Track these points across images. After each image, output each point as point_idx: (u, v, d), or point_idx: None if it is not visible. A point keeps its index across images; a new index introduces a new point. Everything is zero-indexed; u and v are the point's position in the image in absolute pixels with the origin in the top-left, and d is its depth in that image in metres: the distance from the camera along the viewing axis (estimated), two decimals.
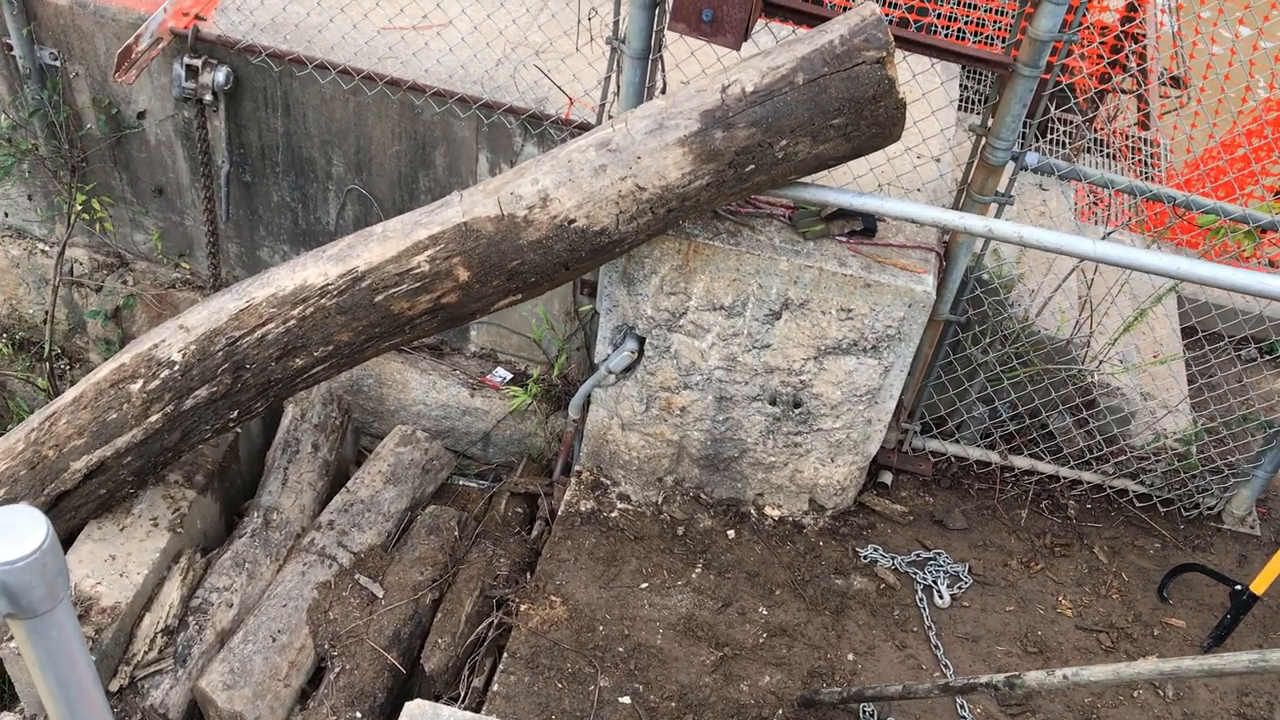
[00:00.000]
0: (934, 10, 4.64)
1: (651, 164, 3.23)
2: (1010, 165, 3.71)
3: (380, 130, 4.32)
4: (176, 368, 3.48)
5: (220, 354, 3.48)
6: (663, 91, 3.86)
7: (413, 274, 3.38)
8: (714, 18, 3.32)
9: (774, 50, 3.23)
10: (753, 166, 3.24)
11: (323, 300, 3.42)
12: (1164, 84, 6.55)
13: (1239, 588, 4.01)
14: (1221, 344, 4.25)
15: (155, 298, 5.01)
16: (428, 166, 4.38)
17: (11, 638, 3.57)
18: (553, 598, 3.98)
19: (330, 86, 4.18)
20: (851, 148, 3.28)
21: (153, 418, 3.54)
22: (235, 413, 3.63)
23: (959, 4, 5.19)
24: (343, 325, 3.45)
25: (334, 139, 4.42)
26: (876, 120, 3.20)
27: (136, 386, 3.51)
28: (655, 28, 3.66)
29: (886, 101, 3.15)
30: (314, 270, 3.44)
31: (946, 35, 5.06)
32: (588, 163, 3.26)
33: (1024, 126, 3.65)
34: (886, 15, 5.28)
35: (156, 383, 3.50)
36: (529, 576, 4.14)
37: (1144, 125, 6.38)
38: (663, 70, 3.83)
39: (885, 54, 3.10)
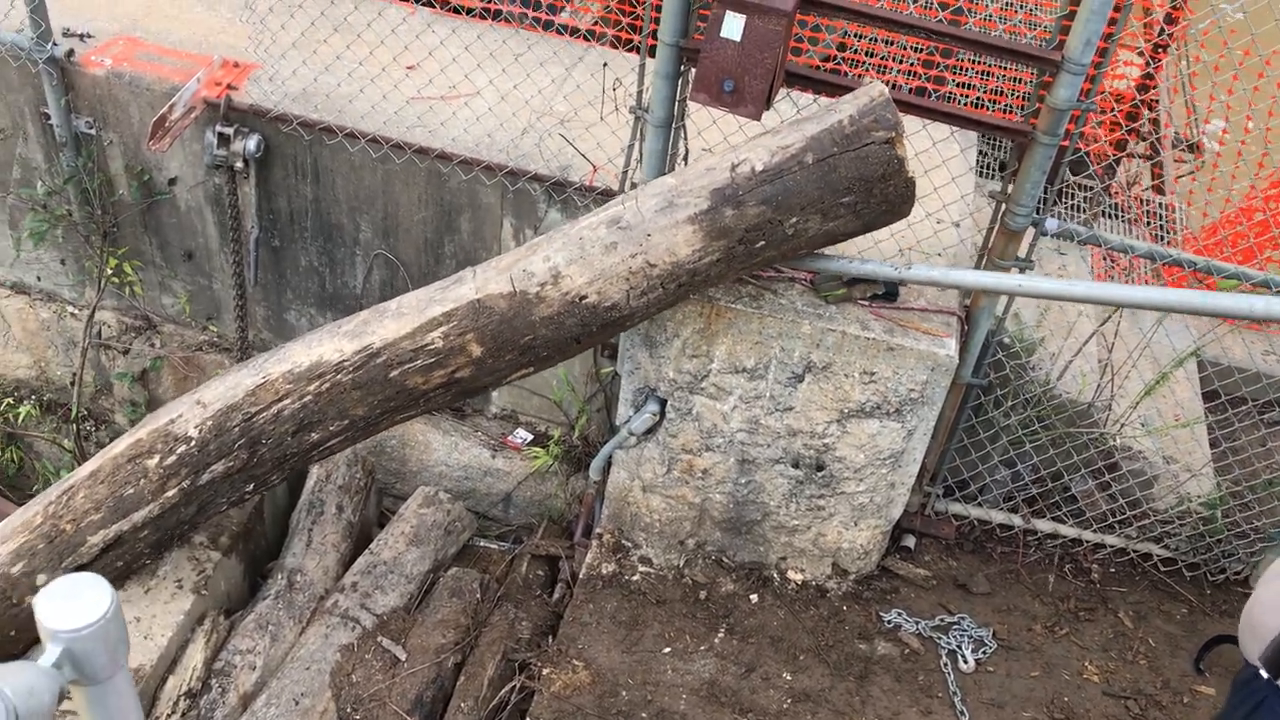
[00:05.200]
0: (952, 80, 4.71)
1: (662, 241, 3.27)
2: (1030, 231, 3.75)
3: (407, 197, 4.39)
4: (193, 443, 3.51)
5: (237, 429, 3.51)
6: (685, 159, 3.92)
7: (427, 350, 3.42)
8: (735, 88, 3.39)
9: (783, 129, 3.28)
10: (763, 243, 3.29)
11: (338, 376, 3.45)
12: (1179, 149, 6.61)
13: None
14: (1245, 407, 4.24)
15: (182, 360, 5.06)
16: (453, 232, 4.44)
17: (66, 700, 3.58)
18: (575, 662, 3.97)
19: (359, 154, 4.27)
20: (861, 224, 3.33)
21: (169, 493, 3.56)
22: (251, 486, 3.67)
23: (977, 74, 5.28)
24: (358, 400, 3.49)
25: (362, 205, 4.49)
26: (886, 198, 3.24)
27: (153, 462, 3.53)
28: (678, 97, 3.74)
29: (896, 180, 3.20)
30: (330, 346, 3.48)
31: (965, 104, 5.13)
32: (598, 240, 3.31)
33: (1043, 192, 3.70)
34: (906, 84, 5.37)
35: (173, 458, 3.52)
36: (551, 640, 4.13)
37: (1159, 190, 6.43)
38: (685, 138, 3.89)
39: (894, 134, 3.15)
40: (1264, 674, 2.74)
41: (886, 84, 5.79)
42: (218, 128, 4.32)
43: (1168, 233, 6.10)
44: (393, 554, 4.36)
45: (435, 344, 3.39)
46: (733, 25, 3.35)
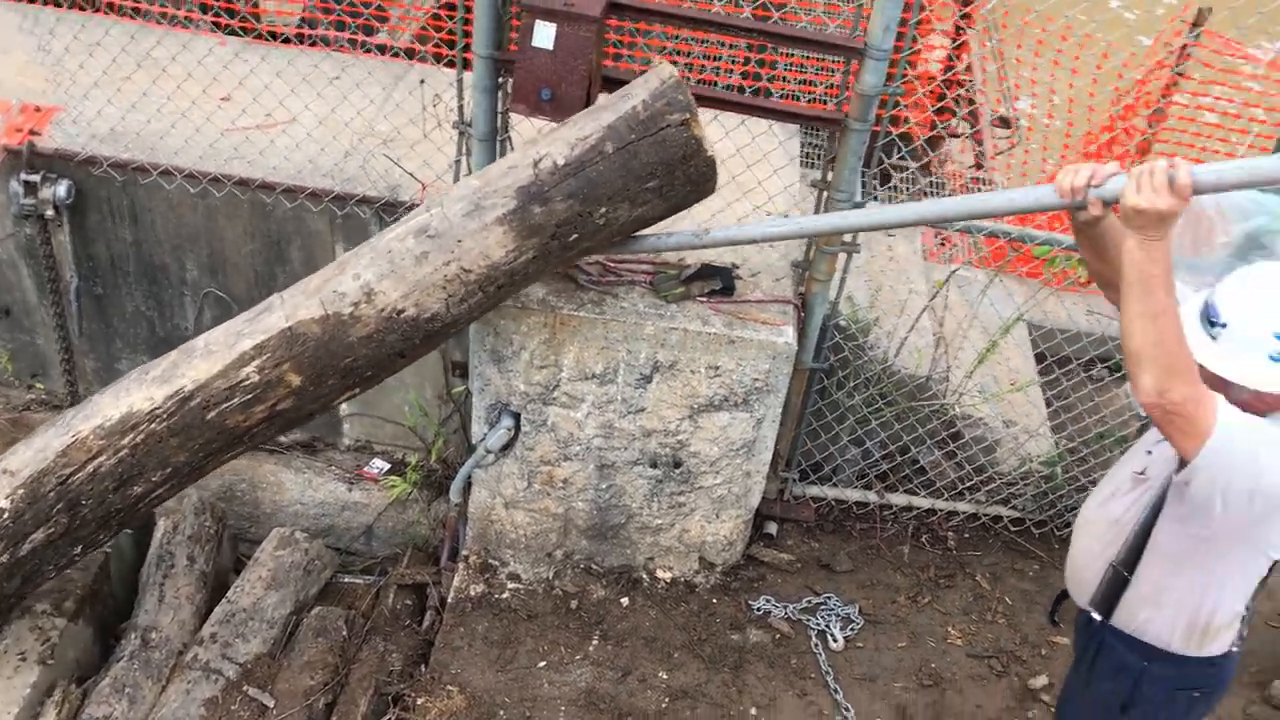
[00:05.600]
0: (766, 75, 4.82)
1: (474, 245, 3.23)
2: None
3: (232, 231, 4.27)
4: (5, 515, 3.33)
5: (52, 494, 3.34)
6: None
7: (243, 386, 3.29)
8: (553, 96, 3.39)
9: (580, 120, 3.27)
10: (576, 235, 3.28)
11: (153, 425, 3.30)
12: (993, 125, 6.91)
13: None
14: (1071, 366, 4.45)
15: (9, 422, 4.81)
16: (284, 263, 4.34)
17: None
18: (450, 687, 3.91)
19: (177, 192, 4.13)
20: (670, 206, 3.34)
21: None
22: (78, 548, 3.50)
23: (793, 68, 5.42)
24: (178, 447, 3.34)
25: (185, 243, 4.35)
26: (690, 179, 3.27)
27: None
28: (499, 109, 3.73)
29: (697, 160, 3.23)
30: (139, 395, 3.32)
31: (783, 97, 5.26)
32: (408, 251, 3.24)
33: (863, 177, 3.81)
34: (724, 83, 5.46)
35: None
36: (424, 669, 4.06)
37: (979, 166, 6.71)
38: (511, 149, 3.89)
39: (688, 115, 3.16)
40: (1097, 617, 2.86)
41: (711, 83, 5.93)
42: (23, 176, 4.13)
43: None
44: (251, 600, 4.22)
45: (251, 379, 3.27)
46: (544, 34, 3.36)
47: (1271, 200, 3.60)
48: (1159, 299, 2.33)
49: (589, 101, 3.44)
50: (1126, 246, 2.37)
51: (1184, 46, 4.91)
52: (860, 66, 3.46)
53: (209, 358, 3.32)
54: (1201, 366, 2.45)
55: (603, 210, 3.29)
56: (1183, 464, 2.49)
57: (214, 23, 4.38)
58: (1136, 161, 5.28)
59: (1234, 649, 2.83)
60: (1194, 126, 5.38)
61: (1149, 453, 2.80)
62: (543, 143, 3.29)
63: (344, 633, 4.17)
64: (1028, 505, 4.57)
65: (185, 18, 4.71)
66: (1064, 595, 4.22)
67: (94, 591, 4.07)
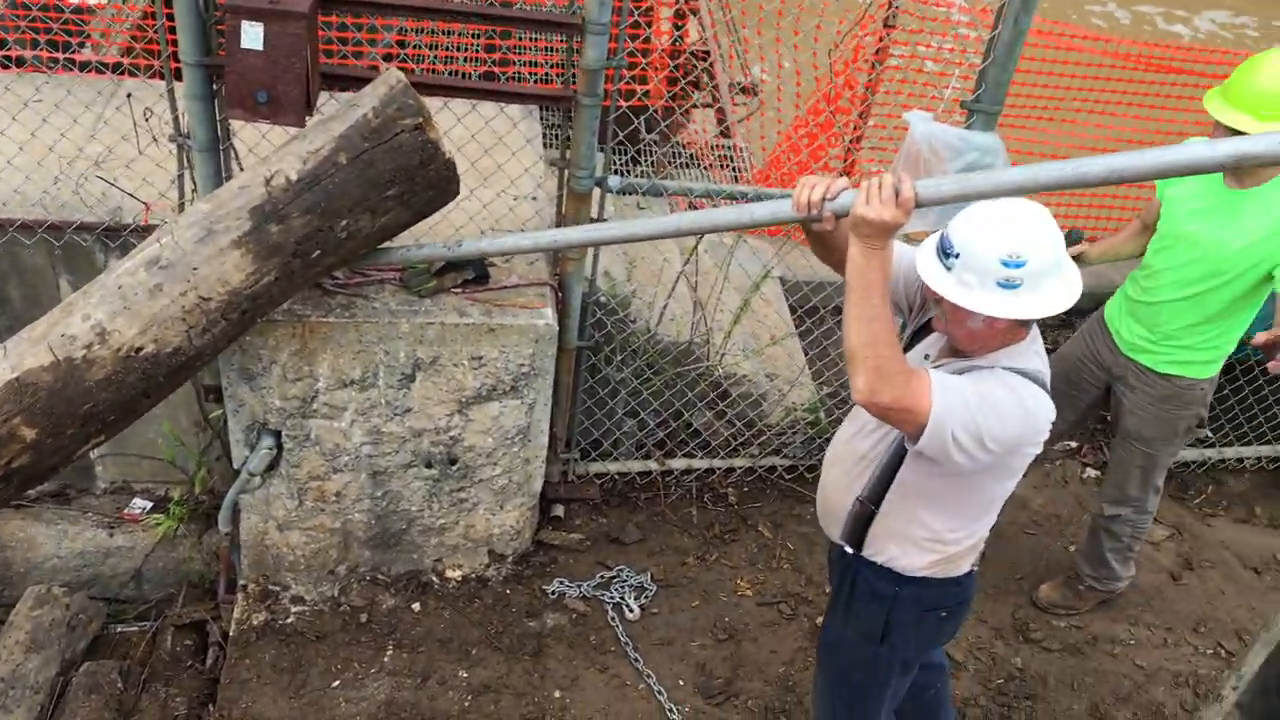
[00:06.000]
0: (489, 59, 4.80)
1: (211, 272, 3.10)
2: (597, 190, 3.89)
3: None
4: None
5: None
6: None
7: None
8: (270, 98, 3.26)
9: (310, 132, 3.19)
10: (319, 251, 3.20)
11: None
12: (736, 94, 7.12)
13: None
14: (820, 314, 4.63)
15: None
16: (3, 304, 4.02)
17: None
18: None
19: None
20: (414, 213, 3.32)
21: None
22: None
23: (516, 50, 5.41)
24: None
25: None
26: (431, 183, 3.24)
27: None
28: (218, 117, 3.56)
29: (435, 164, 3.21)
30: None
31: (507, 80, 5.23)
32: (140, 285, 3.08)
33: (611, 152, 3.85)
34: (447, 70, 5.40)
35: None
36: (212, 708, 3.87)
37: (727, 135, 6.90)
38: (236, 158, 3.73)
39: (421, 119, 3.14)
40: (849, 550, 3.00)
41: (454, 73, 5.86)
42: None
43: (738, 173, 6.57)
44: (10, 667, 3.91)
45: None
46: (252, 35, 3.22)
47: (978, 136, 3.85)
48: (875, 304, 2.49)
49: (309, 101, 3.33)
50: (850, 253, 2.51)
51: (889, 16, 5.17)
52: (582, 42, 3.48)
53: None
54: (941, 298, 2.58)
55: (344, 223, 3.21)
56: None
57: None
58: (860, 120, 5.56)
59: (974, 568, 3.02)
60: (918, 77, 5.68)
61: None
62: (273, 159, 3.19)
63: (119, 685, 3.93)
64: (798, 452, 4.75)
65: None
66: None
67: None
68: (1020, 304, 2.54)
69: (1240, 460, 5.35)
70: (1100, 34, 5.76)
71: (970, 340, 2.69)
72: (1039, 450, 2.71)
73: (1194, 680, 4.34)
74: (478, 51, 6.02)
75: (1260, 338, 3.41)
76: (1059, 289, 2.58)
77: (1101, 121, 5.84)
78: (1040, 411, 2.63)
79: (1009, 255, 2.50)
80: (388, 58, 5.40)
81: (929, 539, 2.86)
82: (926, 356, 2.85)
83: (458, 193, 3.40)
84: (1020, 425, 2.59)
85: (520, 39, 6.34)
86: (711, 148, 6.78)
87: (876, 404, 2.52)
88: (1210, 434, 5.24)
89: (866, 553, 2.95)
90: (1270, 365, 3.42)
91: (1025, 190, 2.49)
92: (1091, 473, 5.25)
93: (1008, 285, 2.53)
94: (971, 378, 2.62)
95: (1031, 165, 2.51)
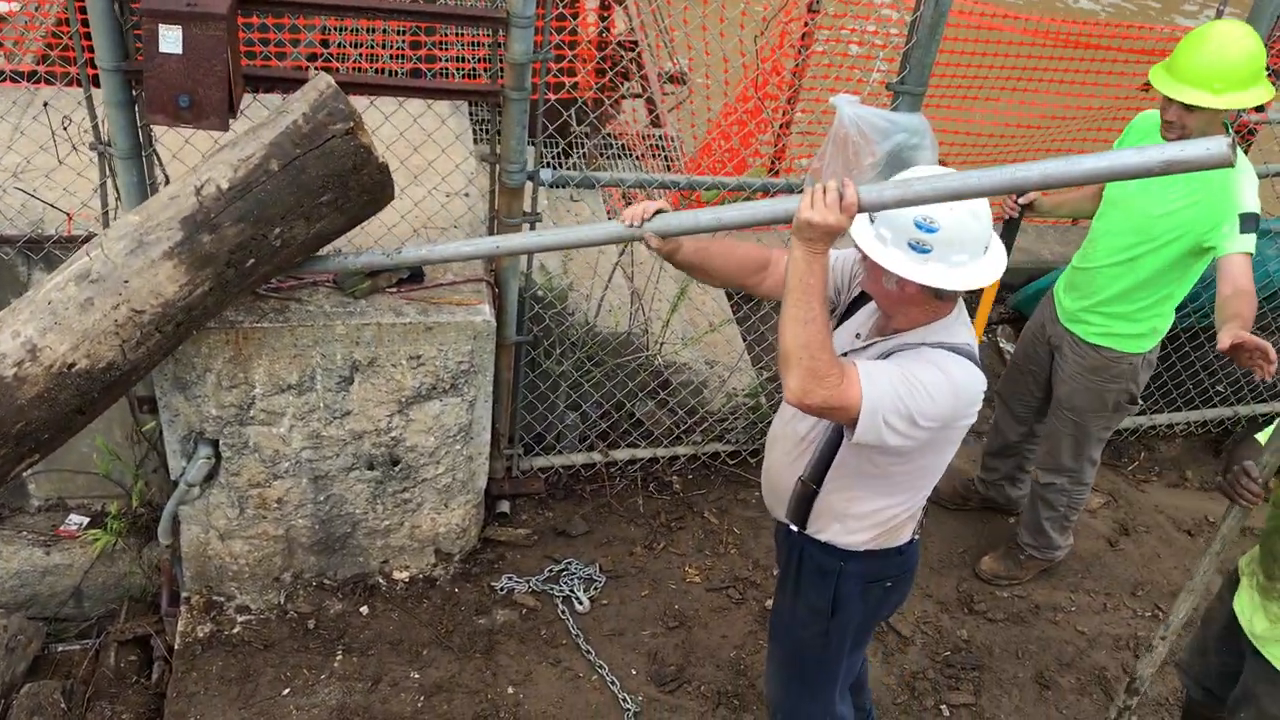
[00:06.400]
0: (414, 56, 4.76)
1: (143, 284, 3.05)
2: (530, 184, 3.88)
3: None
4: None
5: None
6: (167, 183, 3.69)
7: None
8: (192, 102, 3.21)
9: (240, 140, 3.16)
10: (253, 260, 3.16)
11: None
12: (666, 83, 7.13)
13: None
14: (756, 300, 4.67)
15: None
16: None
17: None
18: None
19: None
20: (349, 219, 3.30)
21: None
22: None
23: (436, 46, 5.36)
24: None
25: None
26: (365, 188, 3.22)
27: None
28: (139, 123, 3.50)
29: (369, 169, 3.19)
30: None
31: (433, 76, 5.20)
32: (70, 300, 3.02)
33: (543, 145, 3.84)
34: (372, 69, 5.35)
35: None
36: None
37: (657, 124, 6.92)
38: (160, 164, 3.66)
39: (352, 124, 3.11)
40: (794, 528, 3.04)
41: (380, 71, 5.80)
42: None
43: (670, 162, 6.58)
44: None
45: None
46: (170, 38, 3.16)
47: (905, 118, 3.90)
48: (813, 306, 2.52)
49: (232, 104, 3.28)
50: (792, 255, 2.54)
51: None
52: (508, 36, 3.47)
53: None
54: (857, 246, 2.65)
55: (278, 231, 3.18)
56: None
57: None
58: (788, 106, 5.60)
59: (916, 536, 3.08)
60: (843, 61, 5.73)
61: None
62: (203, 168, 3.15)
63: (62, 705, 3.86)
64: (740, 437, 4.79)
65: None
66: None
67: None
68: (925, 270, 2.59)
69: (1171, 426, 5.48)
70: (1014, 11, 5.85)
71: (888, 302, 2.73)
72: (973, 420, 2.76)
73: (1134, 643, 4.45)
74: (402, 49, 5.98)
75: (1224, 340, 3.38)
76: (971, 268, 2.61)
77: (1023, 99, 5.95)
78: (971, 384, 2.68)
79: (923, 218, 2.55)
80: (311, 57, 5.34)
81: (870, 514, 2.91)
82: (858, 335, 2.89)
83: (393, 197, 3.38)
84: (951, 400, 2.63)
85: (446, 34, 6.30)
86: (642, 138, 6.79)
87: (808, 405, 2.56)
88: (1141, 402, 5.36)
89: (811, 530, 3.00)
90: (1256, 373, 3.40)
91: (963, 195, 2.51)
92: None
93: (917, 248, 2.58)
94: (897, 360, 2.67)
95: (971, 172, 2.51)
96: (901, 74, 3.82)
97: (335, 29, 5.83)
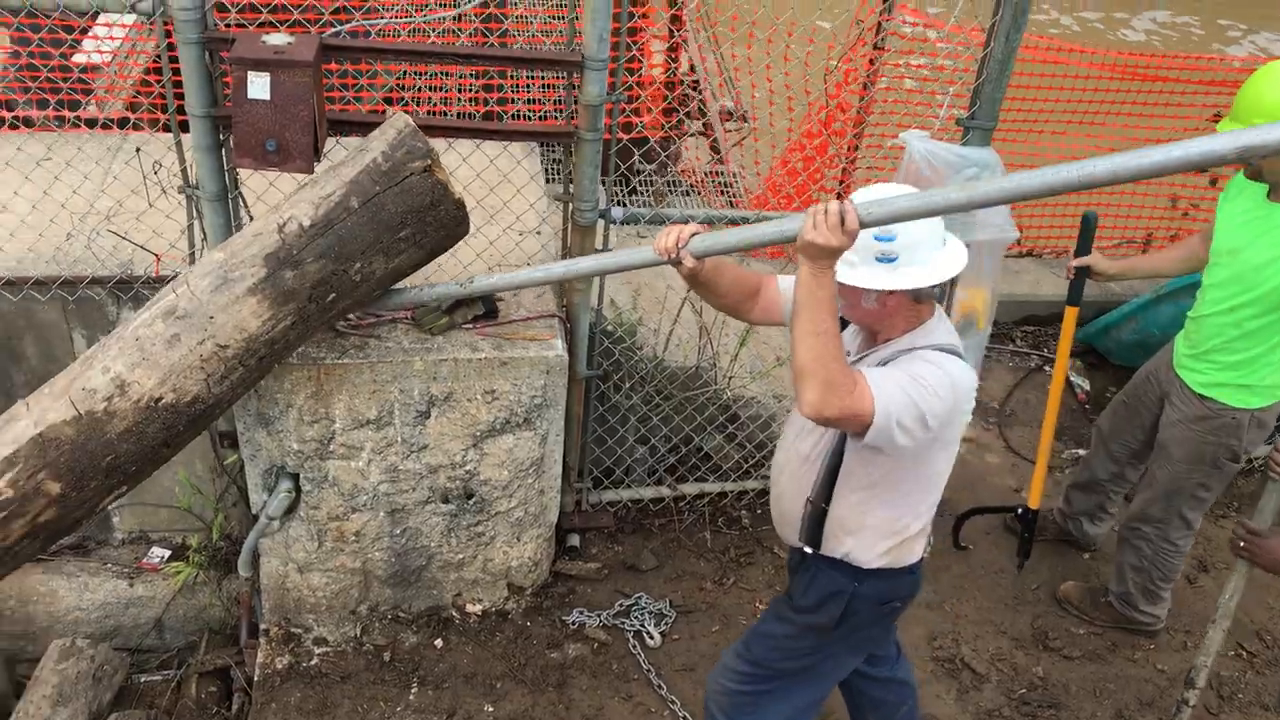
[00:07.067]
0: (492, 99, 4.87)
1: (228, 320, 3.14)
2: (601, 222, 3.95)
3: None
4: None
5: None
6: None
7: None
8: (279, 146, 3.32)
9: (321, 178, 3.25)
10: (334, 295, 3.25)
11: None
12: (727, 120, 7.20)
13: (1020, 510, 4.46)
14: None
15: None
16: (19, 360, 4.06)
17: None
18: None
19: None
20: (426, 253, 3.38)
21: None
22: None
23: (515, 89, 5.48)
24: None
25: None
26: (441, 223, 3.30)
27: None
28: (226, 166, 3.62)
29: (445, 205, 3.27)
30: None
31: (513, 117, 5.31)
32: (158, 336, 3.12)
33: (604, 184, 3.90)
34: (445, 112, 5.47)
35: None
36: None
37: (721, 162, 6.98)
38: (245, 206, 3.78)
39: (429, 161, 3.20)
40: (808, 550, 3.08)
41: (455, 114, 5.93)
42: None
43: (734, 198, 6.63)
44: None
45: (4, 495, 3.03)
46: (259, 85, 3.28)
47: (975, 153, 3.92)
48: (824, 320, 2.59)
49: (317, 147, 3.38)
50: (800, 274, 2.63)
51: (879, 24, 5.24)
52: (582, 79, 3.55)
53: None
54: (840, 285, 2.71)
55: (357, 266, 3.26)
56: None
57: None
58: (854, 142, 5.62)
59: (926, 554, 3.14)
60: (911, 97, 5.76)
61: None
62: (285, 206, 3.24)
63: None
64: None
65: None
66: (960, 521, 4.57)
67: None
68: (901, 276, 2.72)
69: (1250, 460, 5.38)
70: (1067, 43, 5.85)
71: (873, 320, 2.85)
72: (968, 418, 2.88)
73: (1217, 682, 4.36)
74: (478, 92, 6.11)
75: None
76: (940, 260, 2.76)
77: (1089, 131, 5.93)
78: (964, 378, 2.79)
79: (879, 231, 2.65)
80: (389, 101, 5.48)
81: (882, 524, 2.96)
82: (848, 354, 2.94)
83: (467, 231, 3.46)
84: (951, 396, 2.73)
85: (518, 78, 6.42)
86: (705, 175, 6.85)
87: (825, 416, 2.61)
88: (1245, 463, 5.18)
89: (825, 550, 3.05)
90: None
91: (959, 208, 2.55)
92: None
93: (885, 259, 2.71)
94: (897, 364, 2.76)
95: (970, 183, 2.60)
96: (972, 109, 3.84)
97: (412, 73, 5.98)
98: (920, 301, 2.81)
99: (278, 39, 3.33)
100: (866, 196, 2.66)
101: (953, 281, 4.26)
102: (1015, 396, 5.69)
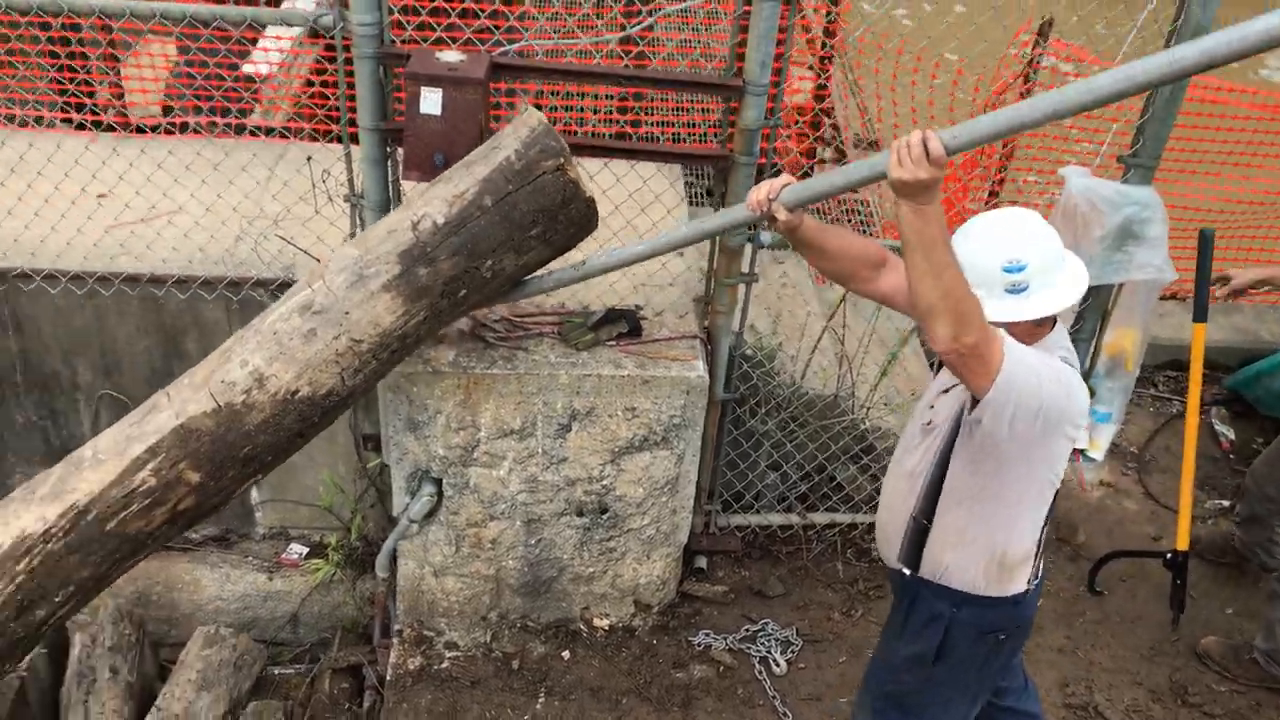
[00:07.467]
0: (647, 120, 4.94)
1: (362, 316, 3.21)
2: (748, 246, 3.97)
3: (124, 329, 4.17)
4: None
5: None
6: None
7: (140, 492, 3.15)
8: (446, 160, 3.42)
9: (454, 176, 3.28)
10: (465, 291, 3.29)
11: (49, 546, 3.12)
12: (861, 148, 7.18)
13: (1169, 554, 4.36)
14: None
15: None
16: (181, 356, 4.25)
17: None
18: None
19: (63, 295, 4.01)
20: (554, 251, 3.40)
21: None
22: None
23: (670, 110, 5.54)
24: (79, 564, 3.16)
25: (75, 347, 4.23)
26: (572, 221, 3.32)
27: None
28: (390, 178, 3.74)
29: (576, 203, 3.29)
30: (29, 517, 3.14)
31: (664, 139, 5.38)
32: (295, 330, 3.20)
33: None
34: (611, 132, 5.55)
35: None
36: None
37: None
38: None
39: (562, 160, 3.22)
40: (906, 572, 3.04)
41: (587, 133, 6.02)
42: None
43: (868, 225, 6.60)
44: (183, 705, 4.08)
45: (148, 483, 3.14)
46: (431, 100, 3.39)
47: (1135, 191, 3.84)
48: (940, 255, 2.48)
49: None
50: (901, 214, 2.53)
51: (1033, 58, 5.17)
52: (741, 103, 3.58)
53: (99, 467, 3.15)
54: None
55: (489, 263, 3.29)
56: (974, 403, 2.67)
57: (90, 120, 4.26)
58: (999, 173, 5.55)
59: (1031, 586, 3.03)
60: (1068, 132, 5.66)
61: (932, 406, 3.02)
62: (419, 203, 3.27)
63: None
64: None
65: (55, 118, 4.61)
66: (1099, 564, 4.50)
67: (13, 716, 3.89)
68: (1033, 304, 2.68)
69: None
70: (1229, 83, 5.68)
71: None
72: (1076, 435, 2.78)
73: None
74: (610, 113, 6.19)
75: None
76: (1065, 279, 2.73)
77: (1245, 174, 5.75)
78: (1080, 392, 2.73)
79: (1009, 261, 2.63)
80: None
81: (982, 543, 2.90)
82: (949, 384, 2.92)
83: (595, 227, 3.44)
84: (1067, 399, 2.68)
85: (653, 100, 6.49)
86: (837, 201, 6.83)
87: (961, 347, 2.50)
88: None
89: (924, 572, 3.00)
90: None
91: (1040, 120, 2.44)
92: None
93: (1015, 290, 2.67)
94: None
95: (1052, 92, 2.44)
96: (1134, 146, 3.76)
97: (549, 93, 6.09)
98: (1040, 324, 2.78)
99: (451, 56, 3.44)
100: (980, 229, 2.65)
101: (1103, 320, 4.19)
102: (1155, 443, 5.53)
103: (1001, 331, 2.60)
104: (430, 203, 3.26)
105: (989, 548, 2.92)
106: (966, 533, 2.91)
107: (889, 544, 3.13)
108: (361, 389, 3.38)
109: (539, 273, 3.55)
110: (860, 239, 3.12)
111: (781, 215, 2.87)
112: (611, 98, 6.30)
